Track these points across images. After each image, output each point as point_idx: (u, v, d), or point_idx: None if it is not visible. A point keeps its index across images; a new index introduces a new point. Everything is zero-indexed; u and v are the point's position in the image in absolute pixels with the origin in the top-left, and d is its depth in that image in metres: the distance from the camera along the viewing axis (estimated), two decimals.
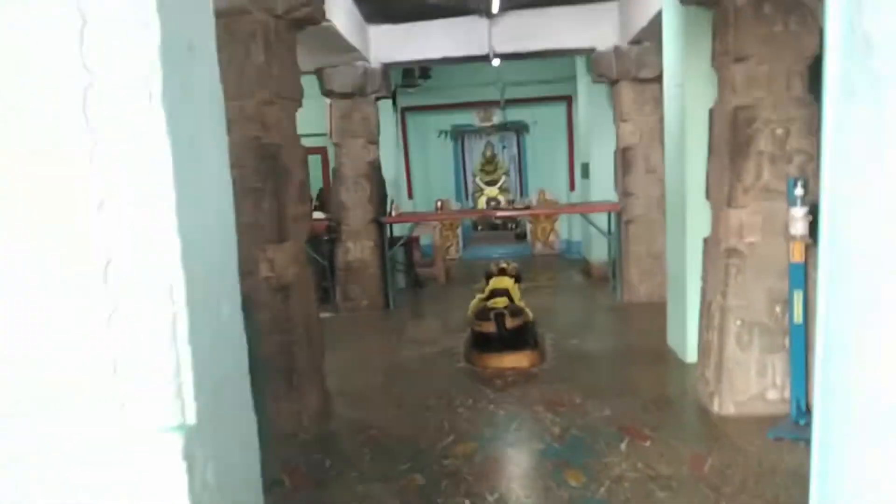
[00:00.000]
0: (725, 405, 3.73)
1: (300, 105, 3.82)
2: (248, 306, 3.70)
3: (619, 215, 6.85)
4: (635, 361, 4.80)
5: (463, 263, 10.10)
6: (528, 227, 11.15)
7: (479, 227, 15.70)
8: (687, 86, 4.46)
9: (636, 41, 6.24)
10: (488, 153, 15.79)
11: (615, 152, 6.93)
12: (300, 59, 4.02)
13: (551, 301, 7.09)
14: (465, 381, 4.59)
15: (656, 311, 6.21)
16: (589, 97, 8.00)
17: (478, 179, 16.17)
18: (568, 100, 10.15)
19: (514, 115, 10.78)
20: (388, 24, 6.59)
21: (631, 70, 6.40)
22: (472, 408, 4.04)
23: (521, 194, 15.24)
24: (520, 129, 11.19)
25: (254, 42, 3.42)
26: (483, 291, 5.49)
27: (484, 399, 4.19)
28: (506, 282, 5.35)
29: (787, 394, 3.64)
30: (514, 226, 15.72)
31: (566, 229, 10.35)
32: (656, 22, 5.34)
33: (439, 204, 7.42)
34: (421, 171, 10.87)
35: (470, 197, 16.39)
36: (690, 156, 4.50)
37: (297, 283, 3.72)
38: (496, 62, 6.71)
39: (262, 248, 3.55)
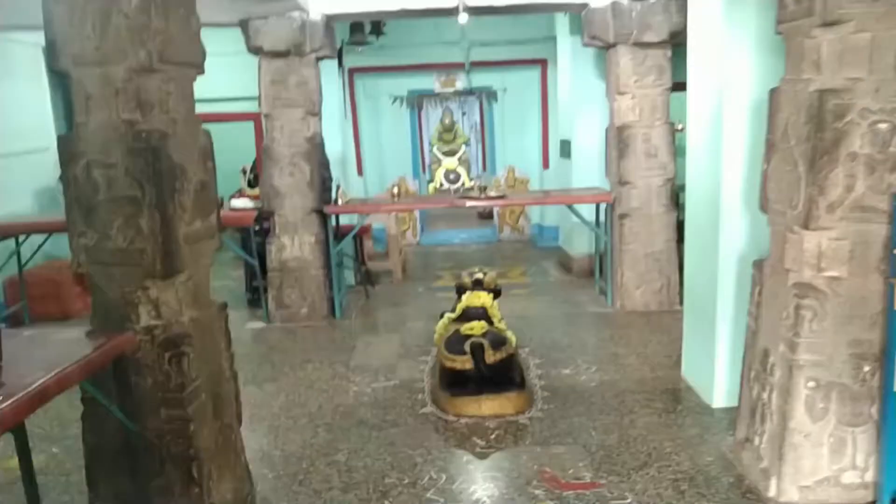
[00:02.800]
0: (786, 490, 2.91)
1: (200, 71, 2.74)
2: (122, 372, 2.69)
3: (610, 207, 5.97)
4: (648, 405, 3.96)
5: (421, 252, 9.14)
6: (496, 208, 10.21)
7: None
8: (728, 53, 3.54)
9: None
10: (447, 120, 14.79)
11: (607, 130, 6.02)
12: (217, 8, 2.95)
13: (529, 306, 6.20)
14: (434, 439, 3.66)
15: (658, 325, 5.44)
16: (573, 62, 7.04)
17: (435, 149, 15.19)
18: (543, 64, 9.18)
19: (481, 79, 9.76)
20: None
21: (632, 32, 5.46)
22: (446, 490, 3.12)
23: (485, 168, 14.33)
24: (487, 95, 10.18)
25: None
26: (453, 310, 4.54)
27: (462, 473, 3.27)
28: (483, 298, 4.42)
29: (869, 477, 2.84)
30: None
31: (537, 212, 9.47)
32: None
33: (395, 190, 6.40)
34: (372, 144, 9.79)
35: (427, 169, 15.41)
36: (730, 148, 3.61)
37: (198, 332, 2.70)
38: (464, 18, 5.67)
39: (141, 286, 2.51)
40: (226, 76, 7.84)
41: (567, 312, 5.99)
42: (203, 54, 2.73)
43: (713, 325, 3.81)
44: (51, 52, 2.40)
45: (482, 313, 4.32)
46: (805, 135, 2.69)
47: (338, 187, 6.13)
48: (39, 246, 6.18)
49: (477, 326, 4.10)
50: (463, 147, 15.58)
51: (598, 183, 6.73)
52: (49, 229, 6.00)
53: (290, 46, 5.52)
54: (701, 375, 4.04)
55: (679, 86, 5.61)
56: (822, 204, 2.66)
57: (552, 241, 8.78)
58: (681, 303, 5.81)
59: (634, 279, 5.88)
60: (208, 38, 2.81)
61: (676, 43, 5.48)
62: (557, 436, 3.62)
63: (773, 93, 2.93)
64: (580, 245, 7.32)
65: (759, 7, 3.38)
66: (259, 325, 5.96)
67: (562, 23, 7.39)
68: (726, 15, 3.52)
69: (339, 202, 6.03)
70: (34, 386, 1.94)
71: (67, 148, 2.46)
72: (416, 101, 10.31)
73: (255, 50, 5.59)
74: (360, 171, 9.34)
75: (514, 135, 10.03)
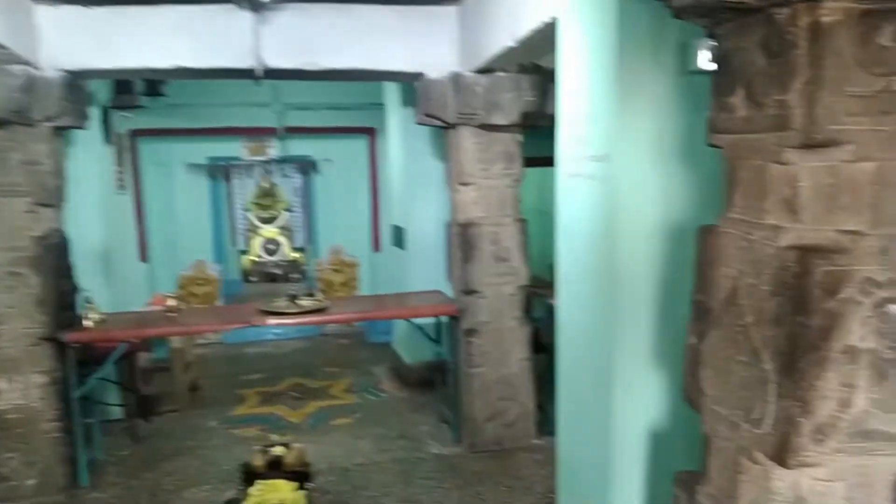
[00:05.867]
0: None
1: None
2: None
3: (455, 320, 4.90)
4: None
5: (224, 355, 7.55)
6: (317, 285, 8.82)
7: (252, 278, 13.17)
8: (620, 164, 2.59)
9: (487, 69, 4.36)
10: (265, 183, 13.39)
11: (448, 226, 5.01)
12: None
13: (355, 449, 4.89)
14: None
15: (517, 473, 4.41)
16: (405, 138, 6.02)
17: (251, 216, 13.66)
18: (370, 133, 8.14)
19: (298, 147, 8.51)
20: (73, 6, 4.02)
21: (477, 111, 4.50)
22: None
23: (309, 242, 13.06)
24: (305, 165, 8.94)
25: None
26: None
27: None
28: (282, 491, 3.07)
29: None
30: (298, 275, 13.37)
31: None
32: (535, 40, 3.49)
33: (170, 300, 4.85)
34: (163, 221, 8.10)
35: (240, 238, 13.79)
36: (625, 289, 2.63)
37: None
38: (264, 78, 4.45)
39: None
40: None
41: (404, 457, 4.75)
42: None
43: None
44: None
45: None
46: (773, 312, 1.72)
47: (86, 300, 4.52)
48: None
49: None
50: (284, 213, 14.10)
51: (440, 283, 5.68)
52: None
53: (8, 113, 3.95)
54: None
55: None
56: (807, 427, 1.69)
57: (384, 335, 7.59)
58: (538, 435, 4.89)
59: (485, 410, 4.81)
60: None
61: (529, 125, 4.64)
62: None
63: (706, 235, 1.97)
64: (418, 350, 6.20)
65: (663, 94, 2.49)
66: None
67: (391, 90, 6.39)
68: (621, 111, 2.57)
69: (88, 322, 4.41)
70: None
71: None
72: (221, 171, 8.82)
73: None
74: (144, 257, 7.61)
75: (340, 211, 8.84)
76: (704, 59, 2.45)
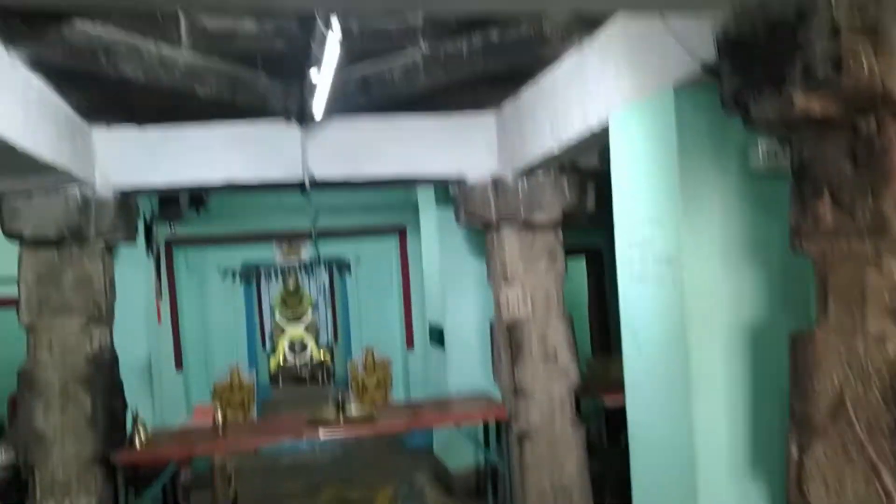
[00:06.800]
0: None
1: None
2: None
3: (505, 424, 4.80)
4: None
5: (259, 467, 7.36)
6: (350, 388, 8.73)
7: (280, 382, 13.10)
8: (688, 266, 2.59)
9: (528, 171, 4.45)
10: (291, 284, 13.49)
11: (492, 324, 4.98)
12: None
13: None
14: None
15: None
16: (440, 237, 6.09)
17: (278, 315, 13.70)
18: (401, 233, 8.24)
19: (330, 249, 8.62)
20: (127, 127, 4.19)
21: (519, 210, 4.57)
22: None
23: (336, 338, 13.04)
24: (338, 266, 9.04)
25: None
26: None
27: None
28: None
29: None
30: (325, 376, 13.28)
31: (403, 398, 8.16)
32: (581, 145, 3.58)
33: (218, 415, 4.78)
34: (197, 328, 8.15)
35: (268, 341, 13.80)
36: (701, 394, 2.58)
37: None
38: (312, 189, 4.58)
39: None
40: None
41: None
42: None
43: None
44: None
45: None
46: (890, 425, 1.67)
47: (135, 417, 4.48)
48: None
49: None
50: (310, 311, 14.14)
51: (482, 382, 5.59)
52: None
53: (64, 232, 4.06)
54: None
55: None
56: None
57: (423, 440, 7.41)
58: None
59: None
60: None
61: (570, 223, 4.69)
62: None
63: (801, 343, 1.94)
64: (462, 456, 6.03)
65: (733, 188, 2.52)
66: None
67: (425, 190, 6.52)
68: (686, 210, 2.59)
69: (137, 441, 4.36)
70: None
71: None
72: (252, 275, 8.95)
73: (12, 235, 4.07)
74: (179, 365, 7.60)
75: (372, 310, 8.84)
76: (766, 161, 2.49)
